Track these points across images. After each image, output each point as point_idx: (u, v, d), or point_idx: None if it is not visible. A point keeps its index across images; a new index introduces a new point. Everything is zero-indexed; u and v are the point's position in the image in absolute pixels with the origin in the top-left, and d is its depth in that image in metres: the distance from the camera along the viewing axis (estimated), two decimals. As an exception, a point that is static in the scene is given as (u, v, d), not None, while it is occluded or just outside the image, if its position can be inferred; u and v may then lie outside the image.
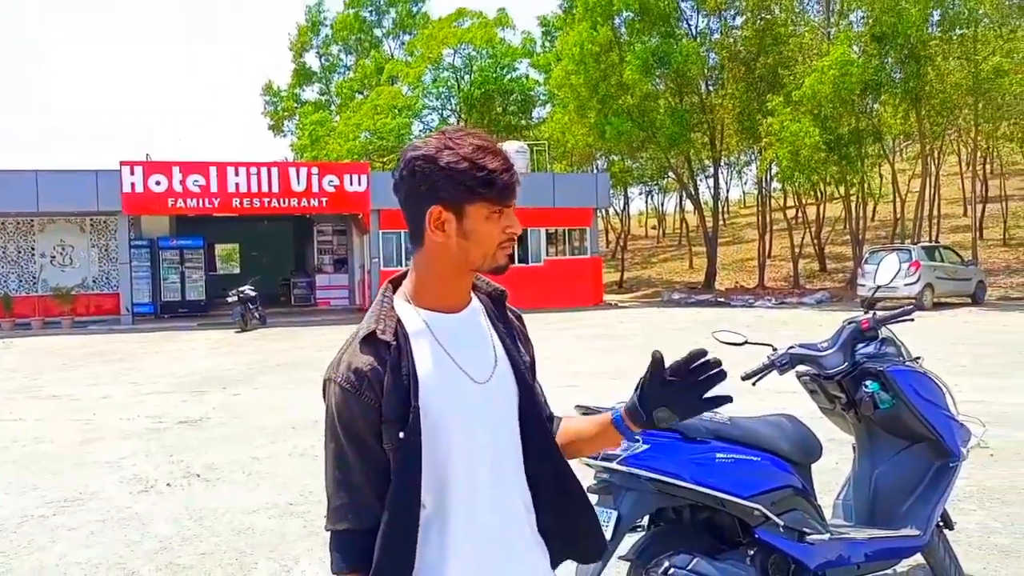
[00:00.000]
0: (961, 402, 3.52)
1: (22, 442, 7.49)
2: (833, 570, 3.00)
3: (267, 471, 6.19)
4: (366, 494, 1.38)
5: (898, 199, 27.18)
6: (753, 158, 34.48)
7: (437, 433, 1.37)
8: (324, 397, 1.42)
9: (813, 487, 3.10)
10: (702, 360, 1.40)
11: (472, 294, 1.50)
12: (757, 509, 2.83)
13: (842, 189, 26.75)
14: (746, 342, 3.29)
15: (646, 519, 2.97)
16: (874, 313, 3.36)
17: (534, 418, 1.48)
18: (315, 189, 22.73)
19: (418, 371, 1.38)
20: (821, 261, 30.48)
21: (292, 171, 23.13)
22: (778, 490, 2.90)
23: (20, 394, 10.43)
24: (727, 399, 1.44)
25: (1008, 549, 4.15)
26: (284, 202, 22.65)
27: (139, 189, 21.38)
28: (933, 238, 26.56)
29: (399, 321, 1.42)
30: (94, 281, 23.44)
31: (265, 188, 22.30)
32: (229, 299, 19.80)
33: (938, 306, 19.98)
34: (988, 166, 34.33)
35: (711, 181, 32.84)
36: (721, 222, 35.32)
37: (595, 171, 35.94)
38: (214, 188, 21.90)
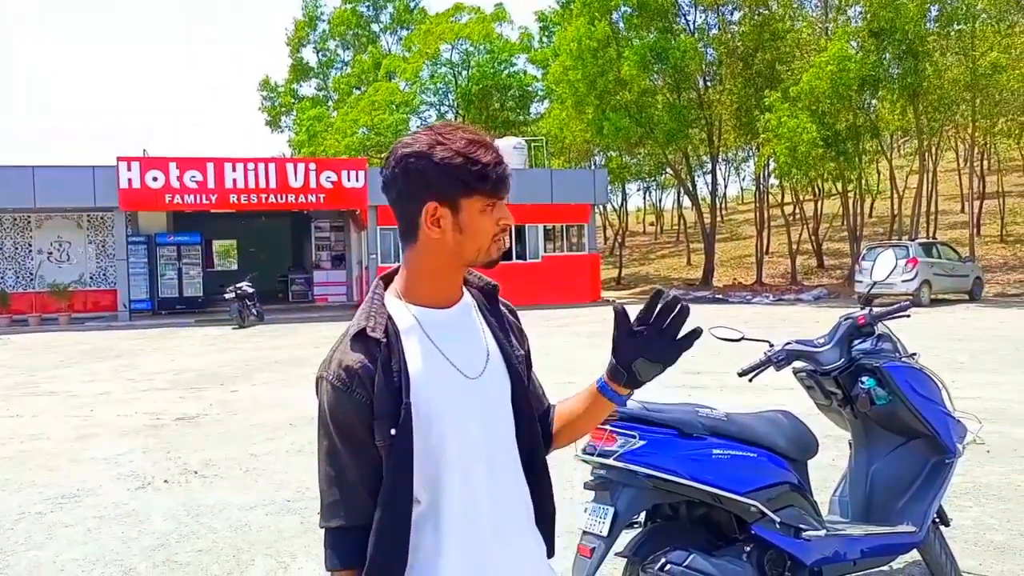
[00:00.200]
0: (957, 398, 3.53)
1: (19, 438, 7.48)
2: (829, 566, 3.00)
3: (264, 468, 6.19)
4: (359, 491, 1.38)
5: (896, 195, 27.21)
6: (751, 154, 34.48)
7: (430, 429, 1.37)
8: (316, 395, 1.42)
9: (809, 483, 3.10)
10: (663, 303, 1.40)
11: (463, 289, 1.50)
12: (753, 505, 2.83)
13: (840, 185, 26.76)
14: (743, 338, 3.30)
15: (643, 515, 2.97)
16: (870, 309, 3.36)
17: (526, 412, 1.49)
18: (313, 185, 22.70)
19: (409, 368, 1.37)
20: (819, 257, 30.52)
21: (290, 167, 23.09)
22: (774, 486, 2.91)
23: (17, 390, 10.42)
24: (697, 333, 1.43)
25: (1004, 546, 4.16)
26: (282, 198, 22.61)
27: (136, 185, 21.36)
28: (931, 234, 26.58)
29: (390, 318, 1.41)
30: (91, 277, 23.40)
31: (263, 184, 22.27)
32: (227, 295, 19.77)
33: (935, 302, 20.01)
34: (986, 162, 34.36)
35: (709, 177, 32.90)
36: (719, 218, 35.32)
37: (593, 167, 35.92)
38: (211, 184, 21.86)
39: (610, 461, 2.74)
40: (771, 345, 3.34)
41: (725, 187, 45.40)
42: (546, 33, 41.21)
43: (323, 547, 1.42)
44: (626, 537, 2.88)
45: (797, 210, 32.46)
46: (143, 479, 5.94)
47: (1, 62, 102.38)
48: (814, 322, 15.29)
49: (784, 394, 5.80)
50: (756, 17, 26.97)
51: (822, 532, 2.98)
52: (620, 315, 1.43)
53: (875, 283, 3.71)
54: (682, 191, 37.93)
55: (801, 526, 2.94)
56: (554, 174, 26.58)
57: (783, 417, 3.15)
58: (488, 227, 1.40)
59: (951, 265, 20.99)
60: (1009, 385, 8.68)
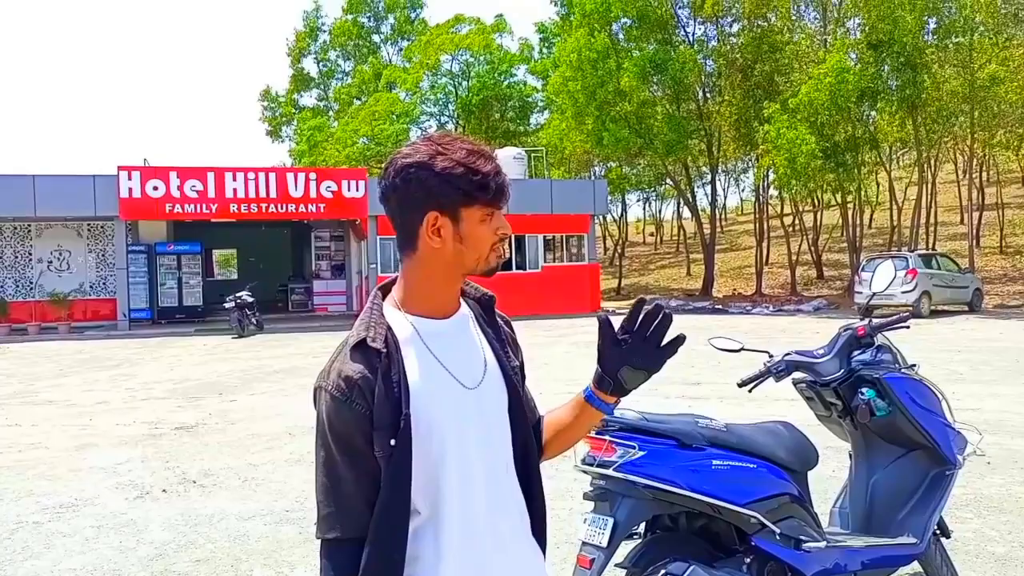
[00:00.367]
0: (957, 410, 3.52)
1: (18, 447, 7.46)
2: (829, 578, 2.99)
3: (263, 478, 6.17)
4: (356, 502, 1.37)
5: (895, 207, 27.26)
6: (750, 165, 34.58)
7: (429, 439, 1.37)
8: (315, 405, 1.42)
9: (810, 495, 3.09)
10: (646, 311, 1.41)
11: (461, 300, 1.51)
12: (753, 517, 2.82)
13: (839, 197, 26.81)
14: (742, 349, 3.30)
15: (642, 526, 2.96)
16: (870, 320, 3.37)
17: (522, 422, 1.50)
18: (313, 195, 22.73)
19: (409, 378, 1.38)
20: (818, 268, 30.54)
21: (290, 176, 23.13)
22: (774, 497, 2.90)
23: (16, 399, 10.40)
24: (680, 339, 1.44)
25: (1005, 557, 4.14)
26: (282, 207, 22.64)
27: (136, 194, 21.38)
28: (930, 246, 26.61)
29: (389, 328, 1.41)
30: (91, 286, 23.41)
31: (263, 193, 22.30)
32: (226, 305, 19.78)
33: (935, 314, 20.01)
34: (984, 174, 34.44)
35: (708, 188, 32.99)
36: (719, 229, 35.38)
37: (593, 178, 36.00)
38: (212, 193, 21.90)
39: (609, 472, 2.73)
40: (771, 356, 3.33)
41: (725, 198, 45.62)
42: (546, 44, 41.36)
43: (319, 558, 1.41)
44: (625, 548, 2.86)
45: (797, 221, 32.53)
46: (141, 488, 5.93)
47: (3, 70, 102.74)
48: (814, 333, 15.28)
49: (784, 405, 5.79)
50: (755, 29, 27.08)
51: (822, 544, 2.96)
52: (604, 324, 1.44)
53: (875, 294, 3.72)
54: (682, 202, 37.99)
55: (801, 538, 2.93)
56: (554, 184, 26.64)
57: (783, 428, 3.15)
58: (487, 236, 1.41)
59: (951, 276, 21.01)
60: (1009, 397, 8.67)
